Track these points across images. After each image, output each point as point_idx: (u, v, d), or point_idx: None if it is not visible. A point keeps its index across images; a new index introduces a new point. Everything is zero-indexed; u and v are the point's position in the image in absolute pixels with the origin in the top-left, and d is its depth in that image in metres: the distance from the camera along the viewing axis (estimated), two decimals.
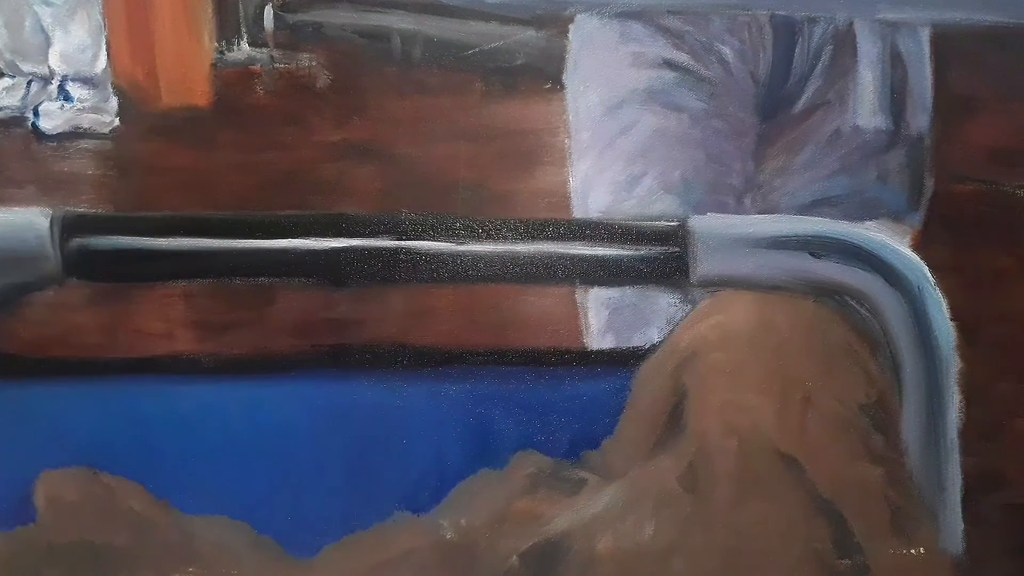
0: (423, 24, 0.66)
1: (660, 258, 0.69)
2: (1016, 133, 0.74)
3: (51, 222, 0.63)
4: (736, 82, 0.71)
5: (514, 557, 0.69)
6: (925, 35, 0.72)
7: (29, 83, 0.64)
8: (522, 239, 0.68)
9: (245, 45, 0.65)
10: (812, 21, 0.71)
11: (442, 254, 0.67)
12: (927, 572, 0.72)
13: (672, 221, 0.70)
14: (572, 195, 0.69)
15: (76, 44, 0.64)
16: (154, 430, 0.67)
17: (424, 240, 0.67)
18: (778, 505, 0.70)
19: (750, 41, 0.71)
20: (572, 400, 0.70)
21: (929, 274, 0.71)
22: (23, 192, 0.64)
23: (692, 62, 0.70)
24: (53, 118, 0.64)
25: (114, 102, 0.64)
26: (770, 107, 0.72)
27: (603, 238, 0.69)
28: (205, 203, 0.66)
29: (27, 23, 0.63)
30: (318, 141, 0.66)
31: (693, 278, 0.69)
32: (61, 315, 0.65)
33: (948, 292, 0.71)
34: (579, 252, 0.69)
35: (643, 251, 0.69)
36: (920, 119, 0.73)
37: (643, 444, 0.70)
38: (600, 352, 0.70)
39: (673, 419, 0.70)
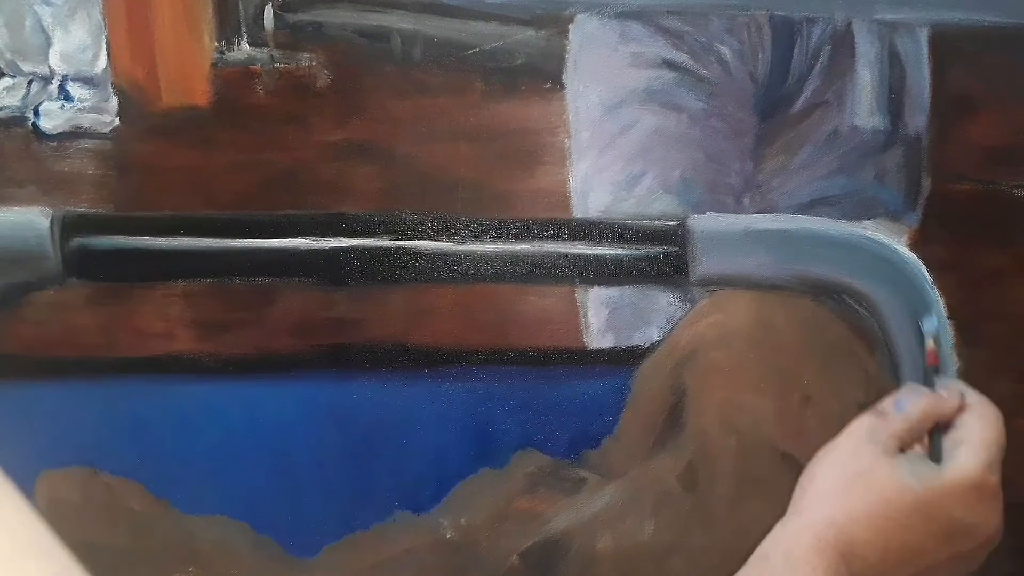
0: (423, 24, 0.66)
1: (660, 257, 0.69)
2: (1014, 133, 0.74)
3: (51, 222, 0.63)
4: (735, 82, 0.71)
5: (514, 556, 0.69)
6: (923, 35, 0.72)
7: (29, 83, 0.64)
8: (522, 239, 0.68)
9: (245, 45, 0.65)
10: (811, 21, 0.71)
11: (442, 254, 0.67)
12: None
13: (672, 220, 0.70)
14: (572, 195, 0.69)
15: (76, 44, 0.64)
16: (154, 430, 0.67)
17: (424, 240, 0.67)
18: (778, 504, 0.70)
19: (749, 41, 0.71)
20: (572, 399, 0.70)
21: (927, 273, 0.71)
22: (23, 192, 0.64)
23: (691, 62, 0.70)
24: (53, 118, 0.64)
25: (114, 102, 0.64)
26: (769, 107, 0.72)
27: (603, 237, 0.69)
28: (205, 203, 0.66)
29: (27, 23, 0.63)
30: (318, 141, 0.66)
31: (693, 277, 0.69)
32: (61, 315, 0.65)
33: (946, 291, 0.71)
34: (579, 251, 0.69)
35: (643, 250, 0.69)
36: (918, 119, 0.73)
37: (643, 443, 0.70)
38: (600, 351, 0.70)
39: (673, 418, 0.70)
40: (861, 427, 0.57)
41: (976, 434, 0.56)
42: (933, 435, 0.58)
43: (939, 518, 0.54)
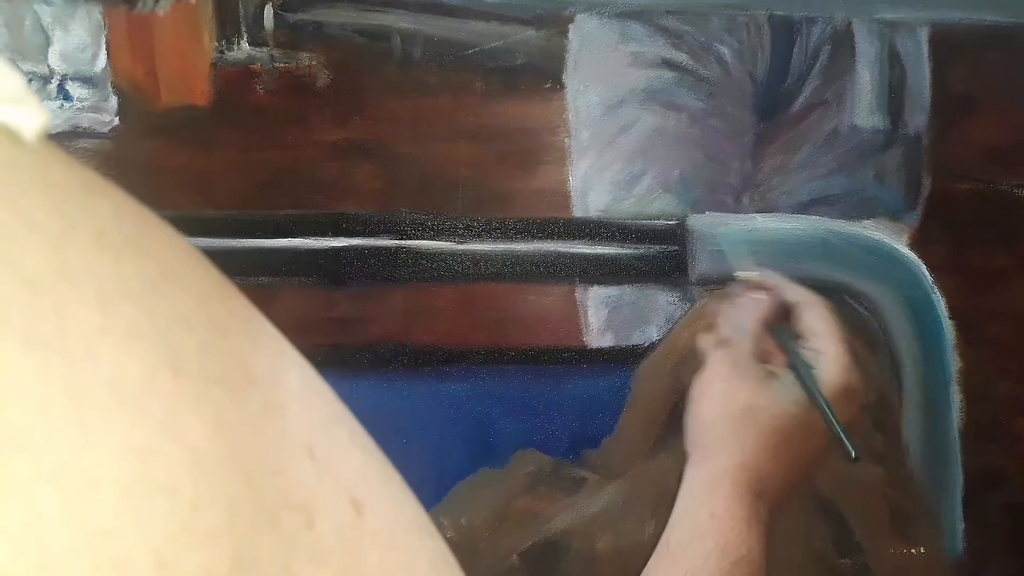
0: (423, 23, 0.66)
1: (659, 256, 0.69)
2: (1014, 132, 0.74)
3: None
4: (734, 82, 0.71)
5: (514, 556, 0.68)
6: (923, 34, 0.72)
7: (28, 82, 0.64)
8: (522, 238, 0.68)
9: (245, 44, 0.65)
10: (810, 21, 0.71)
11: (442, 253, 0.67)
12: (927, 572, 0.72)
13: (671, 220, 0.70)
14: (572, 194, 0.69)
15: (76, 43, 0.64)
16: None
17: (424, 239, 0.67)
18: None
19: (748, 41, 0.71)
20: (572, 398, 0.70)
21: (928, 273, 0.71)
22: None
23: (691, 62, 0.70)
24: (52, 117, 0.64)
25: (114, 101, 0.64)
26: (768, 106, 0.72)
27: (603, 237, 0.69)
28: (205, 203, 0.66)
29: (27, 22, 0.63)
30: (318, 140, 0.66)
31: (692, 276, 0.69)
32: None
33: (946, 291, 0.71)
34: (579, 251, 0.69)
35: (643, 249, 0.69)
36: (918, 118, 0.73)
37: (643, 442, 0.70)
38: (600, 350, 0.70)
39: (673, 418, 0.70)
40: (721, 364, 0.59)
41: (825, 342, 0.59)
42: (782, 341, 0.61)
43: (818, 427, 0.58)
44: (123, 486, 0.17)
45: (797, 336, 0.61)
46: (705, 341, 0.63)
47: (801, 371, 0.59)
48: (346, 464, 0.23)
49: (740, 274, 0.65)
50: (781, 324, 0.62)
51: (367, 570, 0.21)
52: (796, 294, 0.62)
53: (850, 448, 0.57)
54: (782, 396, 0.58)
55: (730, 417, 0.57)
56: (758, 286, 0.64)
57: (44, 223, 0.18)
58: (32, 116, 0.20)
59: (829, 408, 0.58)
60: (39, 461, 0.16)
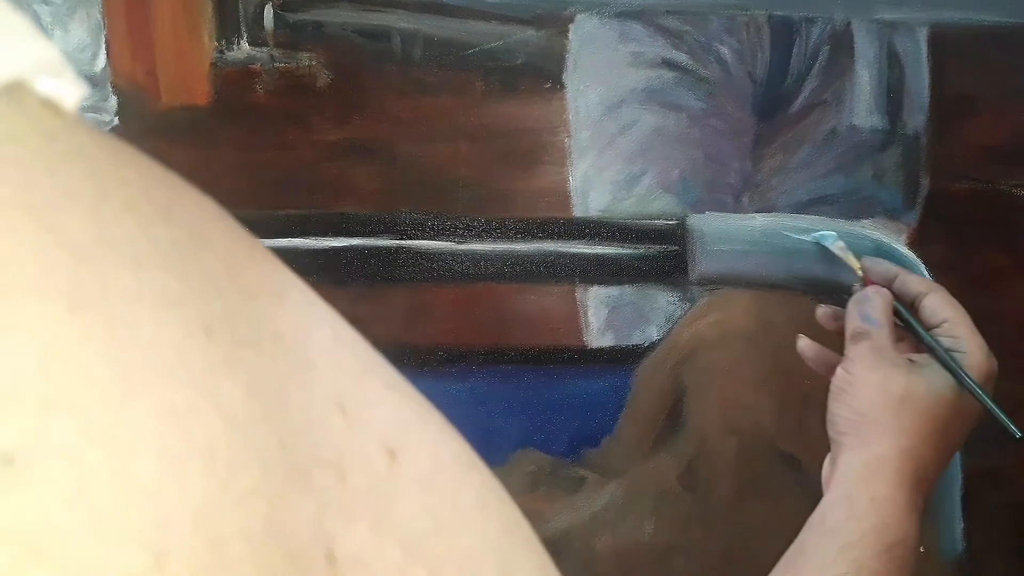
0: (423, 23, 0.66)
1: (659, 256, 0.69)
2: (1013, 132, 0.74)
3: None
4: (734, 82, 0.71)
5: None
6: (922, 35, 0.72)
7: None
8: (522, 238, 0.68)
9: (245, 44, 0.65)
10: (810, 21, 0.71)
11: (442, 253, 0.67)
12: (927, 572, 0.72)
13: (671, 220, 0.70)
14: (572, 194, 0.69)
15: (75, 43, 0.64)
16: None
17: (424, 239, 0.67)
18: (778, 504, 0.70)
19: (748, 41, 0.71)
20: (572, 398, 0.70)
21: (926, 272, 0.71)
22: None
23: (691, 62, 0.70)
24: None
25: (113, 101, 0.64)
26: (767, 107, 0.72)
27: (603, 237, 0.69)
28: None
29: None
30: (318, 140, 0.66)
31: (692, 276, 0.70)
32: None
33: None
34: (579, 251, 0.69)
35: (642, 249, 0.69)
36: (916, 118, 0.73)
37: (643, 442, 0.70)
38: (600, 350, 0.70)
39: (673, 417, 0.70)
40: (863, 355, 0.59)
41: (962, 329, 0.60)
42: (913, 329, 0.61)
43: (968, 411, 0.59)
44: (162, 448, 0.17)
45: (925, 325, 0.61)
46: (804, 340, 0.64)
47: (942, 357, 0.59)
48: (379, 413, 0.23)
49: (858, 268, 0.65)
50: (907, 313, 0.62)
51: (402, 517, 0.21)
52: (918, 284, 0.63)
53: (1013, 428, 0.58)
54: (935, 382, 0.58)
55: (888, 405, 0.57)
56: (878, 277, 0.64)
57: (81, 191, 0.19)
58: (71, 88, 0.20)
59: (982, 390, 0.58)
60: (86, 422, 0.17)
